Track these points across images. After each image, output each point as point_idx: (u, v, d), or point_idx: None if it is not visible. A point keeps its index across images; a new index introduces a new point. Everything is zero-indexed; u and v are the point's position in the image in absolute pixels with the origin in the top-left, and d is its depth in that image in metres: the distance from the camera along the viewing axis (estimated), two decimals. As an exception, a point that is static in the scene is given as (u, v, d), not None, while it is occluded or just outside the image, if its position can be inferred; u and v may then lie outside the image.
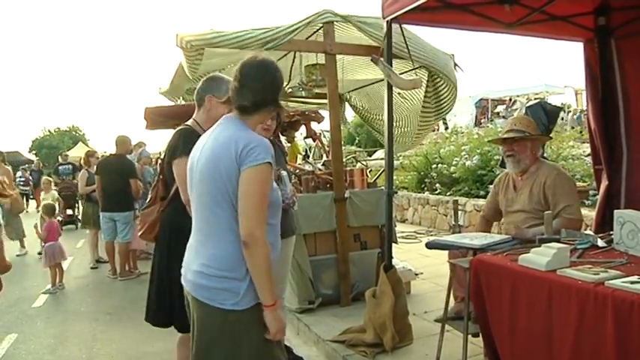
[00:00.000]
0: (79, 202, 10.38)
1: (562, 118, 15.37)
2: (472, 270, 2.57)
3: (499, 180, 3.59)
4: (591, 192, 6.12)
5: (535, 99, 16.02)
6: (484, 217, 3.71)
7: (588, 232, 3.42)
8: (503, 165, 3.76)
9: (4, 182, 2.46)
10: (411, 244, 7.39)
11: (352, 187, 4.74)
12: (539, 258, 2.23)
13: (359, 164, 7.33)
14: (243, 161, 1.74)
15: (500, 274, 2.40)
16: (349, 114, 7.79)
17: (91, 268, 7.33)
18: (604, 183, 4.01)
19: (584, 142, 9.33)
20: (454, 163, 9.17)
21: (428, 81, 4.77)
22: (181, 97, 6.55)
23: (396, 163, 11.14)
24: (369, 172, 7.14)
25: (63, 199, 11.54)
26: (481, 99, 21.90)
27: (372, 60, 3.75)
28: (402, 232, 7.93)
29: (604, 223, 3.69)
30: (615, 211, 2.59)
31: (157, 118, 8.12)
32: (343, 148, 5.89)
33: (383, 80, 3.78)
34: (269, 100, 1.88)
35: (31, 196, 16.82)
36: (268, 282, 1.76)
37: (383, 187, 4.27)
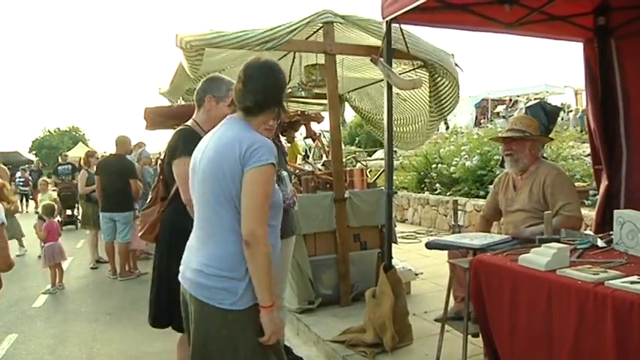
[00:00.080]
0: (79, 202, 10.38)
1: (562, 118, 15.40)
2: (472, 270, 2.57)
3: (499, 179, 3.60)
4: (591, 192, 6.12)
5: (535, 99, 16.04)
6: (484, 217, 3.72)
7: (588, 232, 3.42)
8: (503, 165, 3.77)
9: (6, 187, 2.48)
10: (411, 244, 7.39)
11: (352, 187, 4.74)
12: (539, 258, 2.23)
13: (359, 164, 7.32)
14: (247, 162, 1.75)
15: (500, 274, 2.40)
16: (348, 114, 7.79)
17: (91, 268, 7.33)
18: (604, 183, 4.01)
19: (584, 142, 9.33)
20: (454, 163, 9.17)
21: (430, 81, 4.77)
22: (181, 98, 6.55)
23: (395, 163, 11.14)
24: (369, 172, 7.14)
25: (62, 199, 11.53)
26: (482, 99, 21.91)
27: (371, 60, 3.75)
28: (402, 232, 7.94)
29: (604, 223, 3.69)
30: (615, 211, 2.59)
31: (156, 119, 8.13)
32: (343, 148, 5.88)
33: (383, 80, 3.78)
34: (273, 101, 1.89)
35: (31, 197, 16.83)
36: (267, 282, 1.77)
37: (383, 188, 4.27)
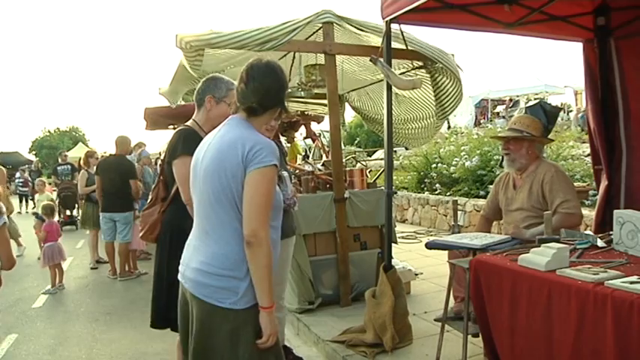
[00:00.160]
0: (79, 202, 10.37)
1: (562, 118, 15.40)
2: (472, 270, 2.57)
3: (500, 179, 3.60)
4: (591, 192, 6.13)
5: (535, 99, 16.05)
6: (484, 217, 3.72)
7: (588, 232, 3.42)
8: (502, 165, 3.78)
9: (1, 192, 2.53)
10: (411, 244, 7.40)
11: (352, 187, 4.75)
12: (538, 258, 2.23)
13: (358, 164, 7.33)
14: (250, 163, 1.76)
15: (500, 274, 2.40)
16: (348, 114, 7.80)
17: (91, 268, 7.33)
18: (604, 183, 4.02)
19: (584, 142, 9.34)
20: (454, 163, 9.17)
21: (431, 81, 4.77)
22: (181, 98, 6.55)
23: (395, 163, 11.17)
24: (369, 172, 7.14)
25: (63, 199, 11.53)
26: (481, 99, 21.91)
27: (370, 60, 3.75)
28: (402, 232, 7.94)
29: (604, 223, 3.69)
30: (615, 211, 2.59)
31: (156, 119, 8.15)
32: (343, 148, 5.88)
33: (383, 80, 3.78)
34: (275, 101, 1.90)
35: (30, 198, 16.83)
36: (268, 283, 1.77)
37: (383, 188, 4.27)
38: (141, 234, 2.96)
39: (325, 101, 4.66)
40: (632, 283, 1.87)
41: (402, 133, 5.96)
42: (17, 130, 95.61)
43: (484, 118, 21.31)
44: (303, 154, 9.06)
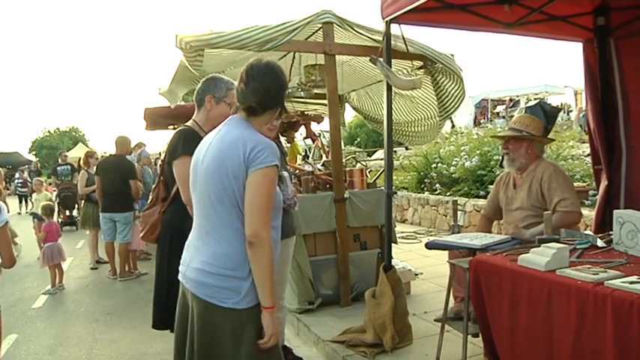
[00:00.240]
0: (78, 202, 10.36)
1: (561, 118, 15.40)
2: (472, 270, 2.57)
3: (500, 178, 3.61)
4: (591, 192, 6.13)
5: (535, 99, 16.04)
6: (485, 216, 3.72)
7: (588, 232, 3.42)
8: (502, 165, 3.79)
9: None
10: (411, 244, 7.39)
11: (352, 187, 4.75)
12: (538, 258, 2.23)
13: (358, 164, 7.33)
14: (251, 163, 1.76)
15: (500, 274, 2.41)
16: (348, 114, 7.80)
17: (91, 268, 7.32)
18: (603, 183, 4.02)
19: (584, 142, 9.34)
20: (454, 163, 9.17)
21: (431, 81, 4.77)
22: (180, 99, 6.55)
23: (395, 163, 11.17)
24: (369, 172, 7.14)
25: (63, 199, 11.52)
26: (481, 99, 21.90)
27: (370, 60, 3.75)
28: (402, 232, 7.94)
29: (603, 223, 3.69)
30: (615, 211, 2.59)
31: (156, 119, 8.15)
32: (343, 148, 5.88)
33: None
34: (275, 101, 1.90)
35: (30, 198, 16.85)
36: (270, 284, 1.78)
37: (382, 188, 4.27)
38: (141, 234, 2.96)
39: (325, 101, 4.66)
40: (631, 283, 1.87)
41: (405, 132, 5.97)
42: (17, 130, 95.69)
43: (484, 118, 21.31)
44: (303, 154, 9.05)
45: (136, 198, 6.78)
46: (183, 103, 6.75)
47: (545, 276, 2.15)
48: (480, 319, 2.61)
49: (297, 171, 5.10)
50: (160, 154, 11.50)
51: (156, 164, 9.33)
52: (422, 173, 10.48)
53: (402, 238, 7.42)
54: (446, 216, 8.73)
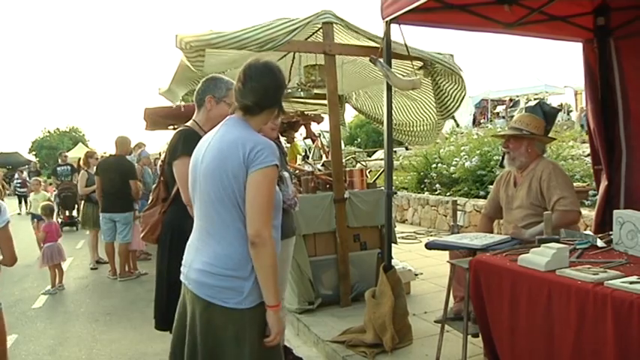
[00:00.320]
0: (78, 203, 10.35)
1: (561, 118, 15.39)
2: (471, 270, 2.57)
3: (501, 176, 3.62)
4: (591, 192, 6.13)
5: (535, 99, 16.04)
6: (486, 215, 3.73)
7: (588, 232, 3.43)
8: (502, 165, 3.80)
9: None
10: (411, 244, 7.40)
11: (352, 187, 4.75)
12: (538, 258, 2.23)
13: (358, 165, 7.33)
14: (251, 163, 1.77)
15: (500, 274, 2.41)
16: (348, 115, 7.80)
17: (91, 268, 7.33)
18: (603, 183, 4.02)
19: (584, 142, 9.35)
20: (454, 163, 9.17)
21: (431, 81, 4.78)
22: (180, 99, 6.55)
23: (395, 163, 11.16)
24: (369, 172, 7.14)
25: (63, 200, 11.52)
26: (481, 99, 21.91)
27: (370, 60, 3.75)
28: (402, 232, 7.94)
29: (603, 224, 3.69)
30: (615, 211, 2.59)
31: (156, 119, 8.15)
32: (343, 148, 5.89)
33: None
34: (272, 100, 1.90)
35: (28, 198, 16.83)
36: (274, 282, 1.79)
37: (382, 188, 4.27)
38: (142, 235, 2.97)
39: (325, 101, 4.66)
40: (631, 283, 1.87)
41: (406, 131, 5.98)
42: (17, 130, 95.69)
43: (484, 119, 21.31)
44: (303, 154, 9.06)
45: (136, 198, 6.78)
46: (183, 103, 6.75)
47: (545, 276, 2.15)
48: (480, 319, 2.61)
49: (297, 171, 5.10)
50: (159, 154, 11.50)
51: (155, 164, 9.32)
52: (422, 173, 10.48)
53: (402, 238, 7.42)
54: (446, 216, 8.73)
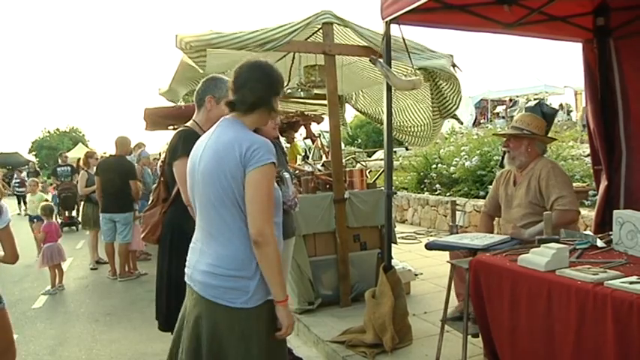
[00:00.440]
0: (78, 203, 10.33)
1: (561, 118, 15.39)
2: (472, 270, 2.58)
3: (500, 174, 3.63)
4: (591, 192, 6.13)
5: (535, 99, 16.04)
6: (486, 213, 3.73)
7: (587, 232, 3.43)
8: (502, 165, 3.81)
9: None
10: (411, 244, 7.39)
11: (352, 187, 4.75)
12: (538, 258, 2.24)
13: (358, 165, 7.33)
14: (248, 162, 1.77)
15: (500, 274, 2.41)
16: (349, 115, 7.80)
17: (91, 269, 7.32)
18: (603, 183, 4.02)
19: (583, 142, 9.35)
20: (454, 163, 9.17)
21: (430, 82, 4.78)
22: (181, 99, 6.56)
23: (395, 163, 11.16)
24: (369, 172, 7.14)
25: (63, 200, 11.51)
26: (481, 99, 21.92)
27: (370, 60, 3.75)
28: (402, 232, 7.94)
29: (603, 224, 3.69)
30: (614, 211, 2.59)
31: (156, 119, 8.14)
32: (343, 148, 5.89)
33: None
34: (260, 99, 1.89)
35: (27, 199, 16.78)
36: (280, 278, 1.82)
37: (382, 188, 4.27)
38: (143, 235, 2.97)
39: (325, 102, 4.66)
40: (631, 283, 1.87)
41: (406, 131, 5.98)
42: (17, 130, 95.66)
43: (484, 119, 21.32)
44: (303, 154, 9.06)
45: (136, 198, 6.78)
46: (183, 103, 6.75)
47: (545, 276, 2.15)
48: (480, 319, 2.61)
49: (296, 171, 5.10)
50: (159, 154, 11.49)
51: (156, 164, 9.32)
52: (422, 173, 10.48)
53: (402, 238, 7.42)
54: (446, 216, 8.73)
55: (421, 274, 5.30)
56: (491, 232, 3.56)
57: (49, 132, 48.59)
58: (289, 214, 3.00)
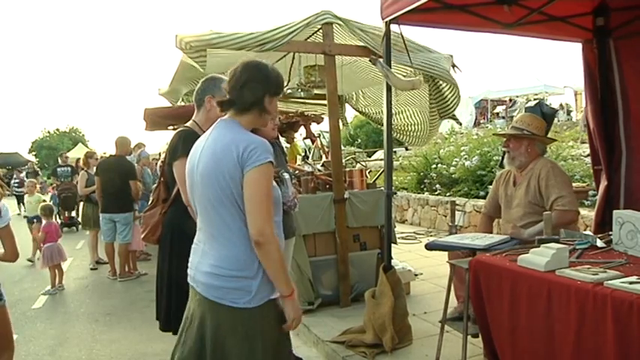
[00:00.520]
0: (78, 204, 10.32)
1: (559, 119, 15.39)
2: (471, 270, 2.57)
3: (500, 175, 3.63)
4: (591, 192, 6.13)
5: (534, 99, 16.03)
6: (486, 214, 3.73)
7: (587, 232, 3.43)
8: (502, 165, 3.81)
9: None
10: (411, 244, 7.39)
11: (351, 187, 4.75)
12: (538, 258, 2.24)
13: (358, 165, 7.33)
14: (246, 163, 1.78)
15: (500, 274, 2.41)
16: (349, 115, 7.79)
17: (91, 269, 7.32)
18: (603, 183, 4.02)
19: (583, 143, 9.34)
20: (454, 163, 9.17)
21: (430, 82, 4.78)
22: (181, 99, 6.55)
23: (395, 163, 11.15)
24: (369, 172, 7.14)
25: (63, 200, 11.51)
26: (481, 99, 21.91)
27: (370, 61, 3.76)
28: (402, 232, 7.94)
29: (603, 224, 3.69)
30: (614, 211, 2.59)
31: (156, 119, 8.14)
32: (343, 148, 5.89)
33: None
34: (251, 98, 1.88)
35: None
36: (284, 274, 1.84)
37: (382, 188, 4.27)
38: (143, 236, 2.97)
39: (325, 102, 4.66)
40: (631, 283, 1.87)
41: (403, 131, 5.99)
42: (17, 130, 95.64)
43: (484, 119, 21.31)
44: (303, 154, 9.06)
45: (136, 198, 6.78)
46: (183, 103, 6.75)
47: (544, 276, 2.15)
48: (480, 319, 2.61)
49: (296, 171, 5.10)
50: (159, 154, 11.48)
51: (156, 164, 9.32)
52: (422, 174, 10.48)
53: (402, 238, 7.42)
54: (445, 216, 8.73)
55: (421, 274, 5.30)
56: (491, 233, 3.56)
57: (49, 132, 48.62)
58: (289, 214, 3.00)
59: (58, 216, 11.09)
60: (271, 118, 2.11)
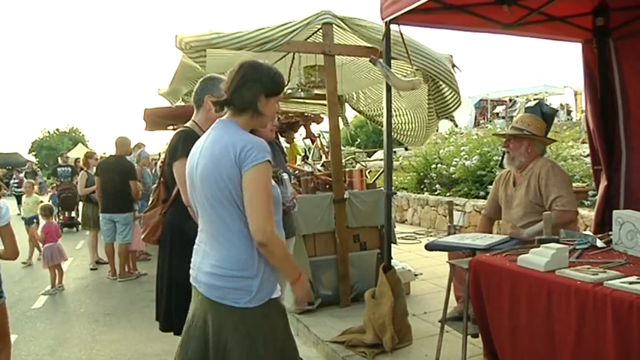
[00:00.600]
0: (78, 204, 10.31)
1: (558, 120, 15.37)
2: (471, 270, 2.57)
3: (500, 176, 3.64)
4: (590, 192, 6.13)
5: (534, 99, 16.03)
6: (486, 215, 3.73)
7: (587, 232, 3.43)
8: (502, 165, 3.81)
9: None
10: (411, 244, 7.39)
11: (351, 187, 4.75)
12: (538, 258, 2.23)
13: (358, 165, 7.33)
14: (243, 163, 1.78)
15: (500, 274, 2.41)
16: (349, 115, 7.79)
17: (91, 269, 7.32)
18: (603, 183, 4.02)
19: (583, 143, 9.34)
20: (453, 163, 9.17)
21: (429, 82, 4.78)
22: (180, 99, 6.55)
23: (395, 163, 11.15)
24: (369, 172, 7.14)
25: (63, 200, 11.51)
26: (481, 100, 21.90)
27: (370, 61, 3.75)
28: (402, 232, 7.94)
29: (603, 224, 3.70)
30: (614, 211, 2.59)
31: (156, 120, 8.15)
32: (342, 148, 5.90)
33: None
34: (245, 97, 1.88)
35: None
36: (290, 265, 1.94)
37: (382, 188, 4.27)
38: (143, 236, 2.97)
39: (325, 102, 4.66)
40: (631, 283, 1.87)
41: (402, 130, 5.99)
42: (17, 130, 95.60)
43: (484, 119, 21.31)
44: (303, 154, 9.06)
45: (136, 198, 6.78)
46: (183, 103, 6.75)
47: (544, 276, 2.15)
48: (480, 319, 2.61)
49: (296, 171, 5.10)
50: (159, 154, 11.48)
51: (155, 165, 9.32)
52: (421, 174, 10.47)
53: (402, 238, 7.42)
54: (445, 216, 8.70)
55: (421, 274, 5.30)
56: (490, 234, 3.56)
57: (48, 132, 48.59)
58: (289, 214, 3.00)
59: (58, 216, 11.08)
60: (270, 119, 2.10)
